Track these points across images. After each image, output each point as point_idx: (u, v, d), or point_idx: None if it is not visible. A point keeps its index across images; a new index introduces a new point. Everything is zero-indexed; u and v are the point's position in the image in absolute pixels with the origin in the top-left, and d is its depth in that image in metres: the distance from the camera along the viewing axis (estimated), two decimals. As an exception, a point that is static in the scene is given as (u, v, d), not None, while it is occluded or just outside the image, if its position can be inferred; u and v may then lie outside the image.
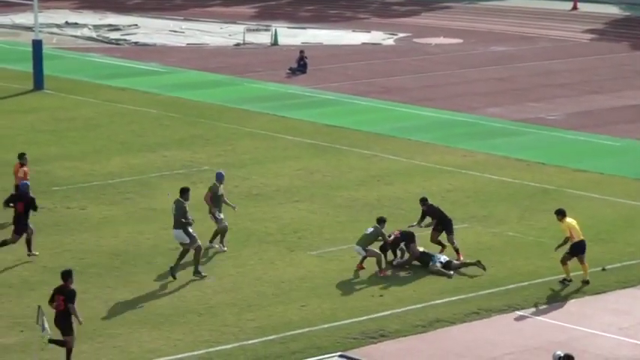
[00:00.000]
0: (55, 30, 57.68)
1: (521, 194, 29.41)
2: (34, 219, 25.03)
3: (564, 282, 23.07)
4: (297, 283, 23.38)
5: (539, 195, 29.17)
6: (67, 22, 59.85)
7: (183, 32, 57.70)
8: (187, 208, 23.62)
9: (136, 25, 59.59)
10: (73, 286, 19.45)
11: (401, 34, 56.68)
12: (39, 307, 19.01)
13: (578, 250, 23.05)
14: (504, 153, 33.66)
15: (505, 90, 43.28)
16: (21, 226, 24.36)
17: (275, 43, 53.88)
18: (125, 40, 55.64)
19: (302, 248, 25.52)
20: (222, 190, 25.50)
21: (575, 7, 63.59)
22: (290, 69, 46.87)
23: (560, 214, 23.27)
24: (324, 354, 19.93)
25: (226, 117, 38.85)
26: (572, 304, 22.31)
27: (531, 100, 41.47)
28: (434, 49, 52.67)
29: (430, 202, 25.20)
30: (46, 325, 18.93)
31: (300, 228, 26.90)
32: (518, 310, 21.94)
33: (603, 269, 23.98)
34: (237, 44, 54.29)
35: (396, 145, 34.89)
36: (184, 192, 23.90)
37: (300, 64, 46.87)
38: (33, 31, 45.14)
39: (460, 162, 32.54)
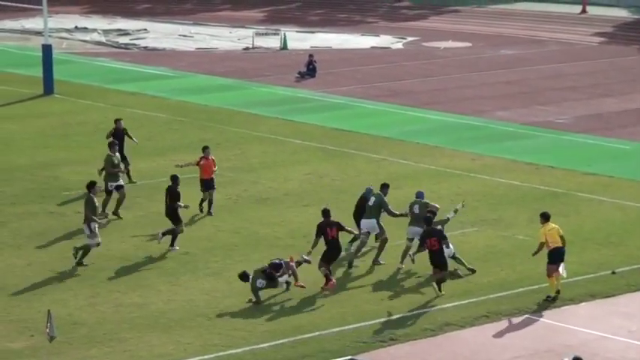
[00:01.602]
0: (64, 35, 57.89)
1: (530, 197, 29.38)
2: (43, 224, 25.04)
3: (547, 298, 22.27)
4: (307, 287, 23.36)
5: (548, 198, 29.14)
6: (76, 27, 60.05)
7: (192, 37, 57.83)
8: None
9: (145, 29, 59.75)
10: None
11: (410, 38, 56.72)
12: (48, 311, 19.07)
13: (555, 257, 22.33)
14: (513, 156, 33.65)
15: (514, 93, 43.26)
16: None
17: (284, 47, 53.96)
18: (134, 44, 55.78)
19: (311, 253, 25.50)
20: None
21: (584, 11, 63.56)
22: (299, 73, 46.93)
23: (543, 217, 22.60)
24: (334, 358, 19.92)
25: (235, 121, 38.91)
26: (582, 307, 22.28)
27: (540, 103, 41.44)
28: (442, 53, 52.67)
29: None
30: (55, 331, 18.98)
31: (309, 232, 26.81)
32: (528, 313, 21.92)
33: (613, 272, 23.95)
34: (246, 48, 54.38)
35: (405, 148, 34.89)
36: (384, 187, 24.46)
37: (309, 68, 46.94)
38: (43, 35, 45.31)
39: (469, 165, 32.53)
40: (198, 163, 28.16)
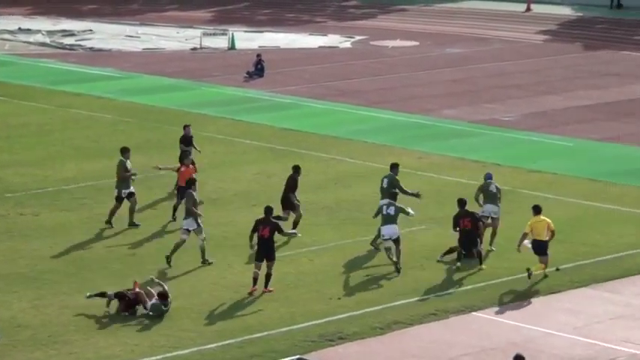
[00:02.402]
0: (7, 36, 57.17)
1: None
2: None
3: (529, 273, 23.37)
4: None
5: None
6: (19, 29, 59.33)
7: (139, 37, 57.43)
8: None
9: (91, 30, 59.22)
10: None
11: (358, 37, 56.83)
12: None
13: (535, 249, 23.34)
14: (460, 154, 33.85)
15: (460, 92, 43.54)
16: None
17: (232, 47, 53.81)
18: (80, 45, 55.27)
19: (238, 253, 25.48)
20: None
21: (528, 9, 64.08)
22: (247, 73, 46.84)
23: (534, 210, 23.79)
24: (282, 357, 19.92)
25: (183, 121, 38.54)
26: (528, 305, 22.48)
27: (486, 101, 41.75)
28: (390, 52, 52.85)
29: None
30: None
31: (257, 232, 26.86)
32: (475, 311, 22.06)
33: (557, 269, 24.18)
34: (194, 49, 54.15)
35: (353, 147, 34.97)
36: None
37: (258, 67, 46.87)
38: (-15, 37, 44.74)
39: (416, 164, 32.67)
40: (178, 170, 27.67)
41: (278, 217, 25.47)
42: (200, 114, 39.81)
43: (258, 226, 23.07)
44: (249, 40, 55.95)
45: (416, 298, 22.64)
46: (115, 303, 21.78)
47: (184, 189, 26.48)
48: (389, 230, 24.24)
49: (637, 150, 34.61)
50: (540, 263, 23.49)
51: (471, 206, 25.18)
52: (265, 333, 20.99)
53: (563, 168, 32.28)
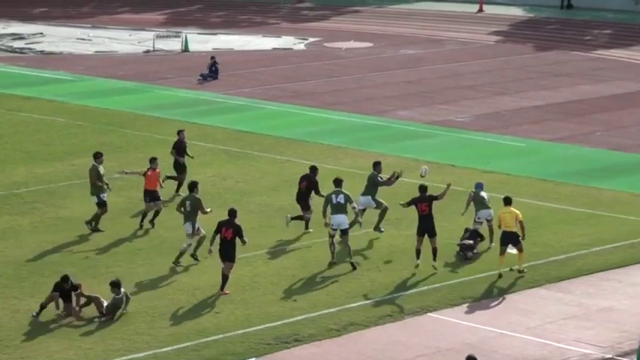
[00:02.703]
0: (-45, 40, 56.56)
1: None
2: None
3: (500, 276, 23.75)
4: (211, 290, 23.28)
5: (449, 196, 29.39)
6: (-31, 32, 58.75)
7: (90, 40, 57.03)
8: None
9: (42, 33, 58.70)
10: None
11: (311, 39, 56.88)
12: None
13: (503, 239, 23.85)
14: (415, 155, 33.98)
15: (414, 93, 43.72)
16: None
17: (185, 49, 53.63)
18: (30, 48, 54.77)
19: (215, 255, 25.39)
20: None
21: (481, 10, 64.50)
22: (201, 75, 46.70)
23: (504, 201, 24.36)
24: (238, 360, 19.90)
25: (137, 124, 38.54)
26: (482, 305, 22.61)
27: (440, 102, 41.97)
28: (344, 53, 52.95)
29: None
30: None
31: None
32: (430, 312, 22.16)
33: (511, 269, 24.35)
34: (147, 51, 53.89)
35: (308, 149, 34.99)
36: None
37: (212, 70, 46.76)
38: None
39: (371, 165, 32.70)
40: (144, 174, 27.44)
41: (300, 217, 26.77)
42: (153, 117, 39.62)
43: (220, 227, 23.15)
44: (202, 42, 55.79)
45: (372, 300, 22.70)
46: (61, 303, 21.55)
47: (151, 193, 26.75)
48: (338, 219, 24.37)
49: (588, 150, 34.97)
50: (520, 253, 23.85)
51: (466, 218, 25.67)
52: (221, 335, 20.94)
53: (515, 168, 32.52)
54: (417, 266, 24.15)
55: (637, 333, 19.97)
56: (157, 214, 27.38)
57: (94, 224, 26.87)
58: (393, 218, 27.86)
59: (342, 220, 24.39)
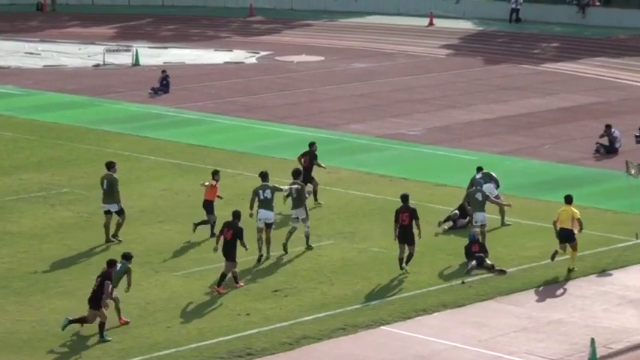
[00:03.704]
0: None
1: (385, 210, 29.79)
2: None
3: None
4: (163, 303, 23.19)
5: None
6: None
7: (39, 54, 56.50)
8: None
9: (-12, 47, 58.07)
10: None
11: (263, 53, 56.88)
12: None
13: (560, 236, 24.99)
14: (367, 169, 34.10)
15: (367, 106, 43.89)
16: None
17: (136, 63, 53.38)
18: (-24, 63, 54.13)
19: (167, 269, 25.34)
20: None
21: (431, 23, 64.95)
22: (152, 89, 46.52)
23: (565, 199, 25.52)
24: (191, 375, 19.81)
25: (87, 138, 38.28)
26: (434, 318, 22.73)
27: (392, 115, 42.16)
28: (296, 67, 53.03)
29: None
30: None
31: (165, 249, 26.70)
32: (383, 325, 22.23)
33: (463, 282, 24.53)
34: (97, 65, 53.55)
35: (261, 163, 34.88)
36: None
37: (163, 83, 46.58)
38: None
39: (325, 179, 32.76)
40: (212, 186, 27.83)
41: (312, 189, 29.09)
42: (104, 131, 39.39)
43: (224, 228, 24.24)
44: (153, 56, 55.56)
45: (324, 313, 22.72)
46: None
47: (209, 204, 27.47)
48: (264, 214, 25.69)
49: (537, 163, 35.30)
50: (573, 251, 24.81)
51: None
52: (173, 350, 20.85)
53: (467, 182, 32.61)
54: (404, 272, 24.84)
55: (586, 345, 20.19)
56: (204, 222, 27.66)
57: (115, 234, 27.04)
58: (347, 231, 27.95)
59: (268, 215, 25.73)
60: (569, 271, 24.94)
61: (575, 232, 25.00)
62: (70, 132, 39.18)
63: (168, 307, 22.98)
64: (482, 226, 26.43)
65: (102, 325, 21.38)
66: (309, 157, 30.22)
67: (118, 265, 22.32)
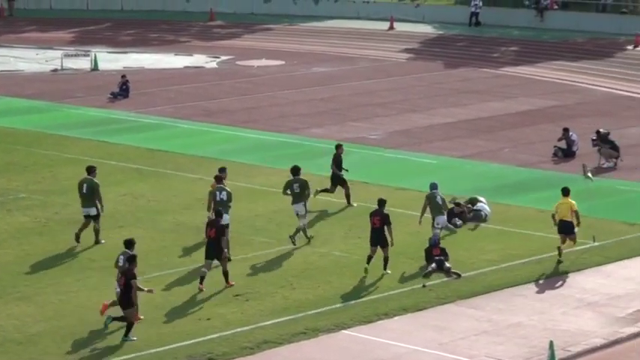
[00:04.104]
0: None
1: (346, 214, 29.89)
2: None
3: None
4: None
5: (364, 214, 29.60)
6: None
7: (-4, 59, 56.05)
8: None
9: (-57, 52, 57.45)
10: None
11: (223, 57, 56.80)
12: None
13: (560, 228, 25.88)
14: (328, 173, 34.00)
15: (327, 110, 43.94)
16: None
17: (95, 68, 53.09)
18: None
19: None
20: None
21: (391, 27, 65.14)
22: (112, 94, 46.28)
23: (562, 192, 26.38)
24: (151, 381, 19.71)
25: (45, 143, 38.00)
26: (395, 321, 22.76)
27: (353, 119, 42.23)
28: (256, 71, 53.00)
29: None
30: None
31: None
32: (344, 329, 22.23)
33: (424, 286, 24.60)
34: (55, 70, 53.19)
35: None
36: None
37: (122, 88, 46.37)
38: None
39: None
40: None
41: (326, 190, 30.30)
42: (63, 135, 39.13)
43: (206, 227, 24.68)
44: (113, 61, 55.30)
45: (286, 317, 22.69)
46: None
47: None
48: (295, 208, 26.88)
49: (496, 167, 35.50)
50: (570, 241, 25.78)
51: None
52: (133, 355, 20.73)
53: (427, 185, 32.75)
54: (365, 270, 24.96)
55: (545, 348, 20.31)
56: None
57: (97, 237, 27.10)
58: (308, 236, 27.91)
59: (298, 207, 27.14)
60: (560, 261, 25.72)
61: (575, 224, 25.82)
62: (27, 137, 38.88)
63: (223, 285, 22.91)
64: (442, 229, 26.57)
65: (130, 326, 21.43)
66: (336, 162, 31.04)
67: (121, 259, 22.57)
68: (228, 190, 26.58)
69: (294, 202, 27.53)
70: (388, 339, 21.75)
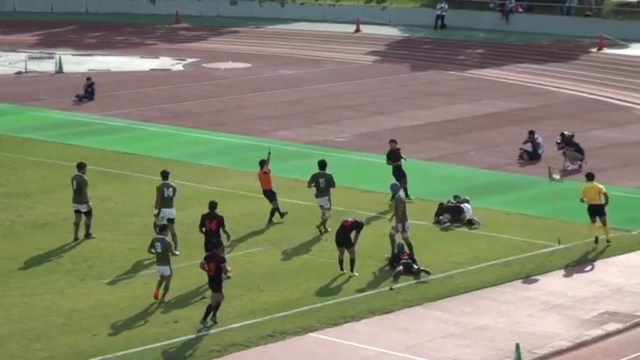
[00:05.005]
0: None
1: (313, 216, 29.81)
2: None
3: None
4: (89, 311, 22.94)
5: (332, 217, 29.65)
6: None
7: (-42, 62, 55.57)
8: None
9: None
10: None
11: (190, 60, 56.65)
12: None
13: (591, 212, 26.83)
14: (295, 176, 34.06)
15: (294, 113, 43.94)
16: None
17: (60, 70, 52.77)
18: None
19: (93, 277, 25.07)
20: None
21: (358, 30, 65.25)
22: (77, 96, 46.03)
23: (587, 177, 27.54)
24: (118, 384, 19.62)
25: (8, 146, 37.74)
26: (363, 324, 22.79)
27: (320, 122, 42.25)
28: (223, 74, 52.90)
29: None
30: None
31: (91, 256, 26.43)
32: (311, 331, 22.24)
33: (391, 289, 24.64)
34: (19, 72, 52.82)
35: (188, 170, 34.78)
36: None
37: (88, 91, 46.13)
38: None
39: (253, 186, 32.63)
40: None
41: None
42: (27, 138, 38.86)
43: (204, 220, 24.66)
44: (78, 63, 54.98)
45: (253, 320, 22.66)
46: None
47: (269, 192, 29.21)
48: (167, 212, 26.74)
49: (463, 169, 35.63)
50: (604, 225, 26.72)
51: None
52: (99, 358, 20.63)
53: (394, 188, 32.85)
54: (343, 274, 25.16)
55: (511, 350, 20.41)
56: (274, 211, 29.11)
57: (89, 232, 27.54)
58: (275, 238, 27.93)
59: (170, 212, 26.82)
60: (608, 242, 26.78)
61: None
62: (-9, 139, 38.59)
63: (94, 314, 22.73)
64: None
65: (217, 306, 22.08)
66: (393, 155, 31.58)
67: (157, 245, 23.48)
68: (174, 185, 27.36)
69: (318, 195, 28.20)
70: (355, 342, 21.78)
